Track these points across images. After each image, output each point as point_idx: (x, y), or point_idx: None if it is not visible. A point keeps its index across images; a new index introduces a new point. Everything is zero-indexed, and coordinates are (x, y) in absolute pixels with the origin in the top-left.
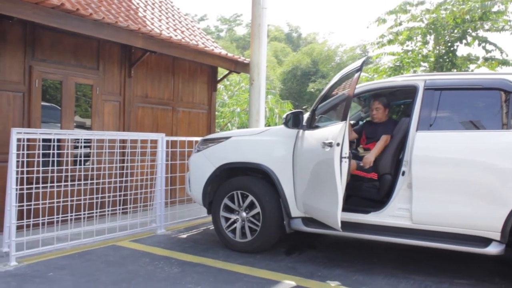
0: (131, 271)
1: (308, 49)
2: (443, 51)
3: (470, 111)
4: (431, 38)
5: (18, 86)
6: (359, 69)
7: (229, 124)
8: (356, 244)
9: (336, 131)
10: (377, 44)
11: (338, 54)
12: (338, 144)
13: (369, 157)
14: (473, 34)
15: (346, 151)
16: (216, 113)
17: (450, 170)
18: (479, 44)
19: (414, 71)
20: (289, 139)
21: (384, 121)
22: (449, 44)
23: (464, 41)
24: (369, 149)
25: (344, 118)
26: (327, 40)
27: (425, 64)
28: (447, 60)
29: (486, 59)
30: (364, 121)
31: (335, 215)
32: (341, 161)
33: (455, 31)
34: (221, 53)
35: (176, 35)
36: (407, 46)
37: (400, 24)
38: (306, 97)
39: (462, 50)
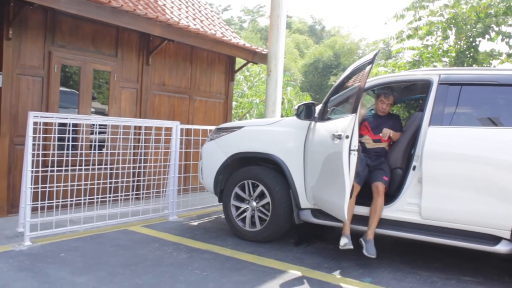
0: (140, 255)
1: (330, 41)
2: (465, 46)
3: (484, 107)
4: (452, 33)
5: (38, 71)
6: (371, 61)
7: (247, 115)
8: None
9: (345, 124)
10: (396, 39)
11: (360, 47)
12: (347, 137)
13: (386, 131)
14: (496, 29)
15: (355, 143)
16: (235, 103)
17: (461, 166)
18: (502, 40)
19: (434, 66)
20: (301, 131)
21: (387, 114)
22: (471, 39)
23: (487, 36)
24: (379, 140)
25: (354, 111)
26: (350, 33)
27: (446, 59)
28: (469, 55)
29: (509, 55)
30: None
31: (342, 207)
32: (350, 154)
33: (477, 26)
34: (238, 43)
35: (194, 24)
36: (427, 40)
37: (420, 19)
38: (327, 90)
39: (484, 45)
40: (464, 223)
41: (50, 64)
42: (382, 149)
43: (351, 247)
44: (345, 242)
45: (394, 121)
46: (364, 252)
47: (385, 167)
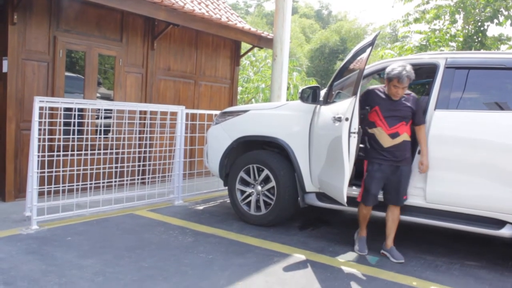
0: (145, 239)
1: (337, 26)
2: (473, 31)
3: (491, 91)
4: (460, 17)
5: (43, 56)
6: (371, 43)
7: (253, 100)
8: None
9: (345, 106)
10: (403, 22)
11: (367, 32)
12: (347, 119)
13: (426, 161)
14: (505, 13)
15: (355, 126)
16: (241, 88)
17: (467, 150)
18: (511, 24)
19: (441, 51)
20: (306, 114)
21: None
22: (479, 23)
23: (495, 20)
24: (397, 134)
25: (354, 93)
26: (357, 18)
27: (453, 44)
28: (477, 40)
29: None
30: (370, 90)
31: (342, 189)
32: (349, 136)
33: (486, 10)
34: (244, 27)
35: (200, 9)
36: (435, 25)
37: (428, 2)
38: (332, 75)
39: (493, 30)
40: (469, 207)
41: (55, 49)
42: (403, 144)
43: (365, 252)
44: (358, 248)
45: (410, 106)
46: (392, 259)
47: (406, 179)
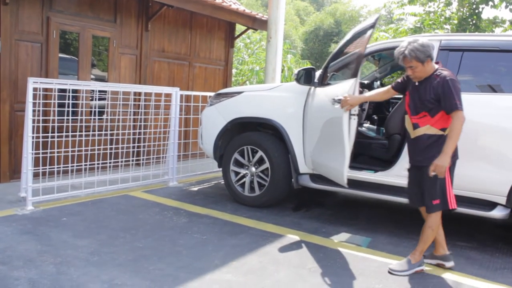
0: (140, 219)
1: (331, 9)
2: (467, 13)
3: (484, 73)
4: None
5: (36, 36)
6: (372, 25)
7: (247, 82)
8: (363, 203)
9: (346, 88)
10: (397, 4)
11: (362, 15)
12: None
13: (442, 161)
14: None
15: (356, 108)
16: (235, 71)
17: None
18: (506, 6)
19: (436, 33)
20: (301, 96)
21: (429, 76)
22: (474, 6)
23: (490, 3)
24: (417, 125)
25: (354, 75)
26: (351, 0)
27: (448, 26)
28: (471, 23)
29: None
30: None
31: (342, 171)
32: (350, 118)
33: None
34: (238, 9)
35: None
36: (429, 7)
37: None
38: (327, 57)
39: (488, 12)
40: (461, 189)
41: (48, 30)
42: (423, 139)
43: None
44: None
45: (430, 92)
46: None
47: (429, 179)
